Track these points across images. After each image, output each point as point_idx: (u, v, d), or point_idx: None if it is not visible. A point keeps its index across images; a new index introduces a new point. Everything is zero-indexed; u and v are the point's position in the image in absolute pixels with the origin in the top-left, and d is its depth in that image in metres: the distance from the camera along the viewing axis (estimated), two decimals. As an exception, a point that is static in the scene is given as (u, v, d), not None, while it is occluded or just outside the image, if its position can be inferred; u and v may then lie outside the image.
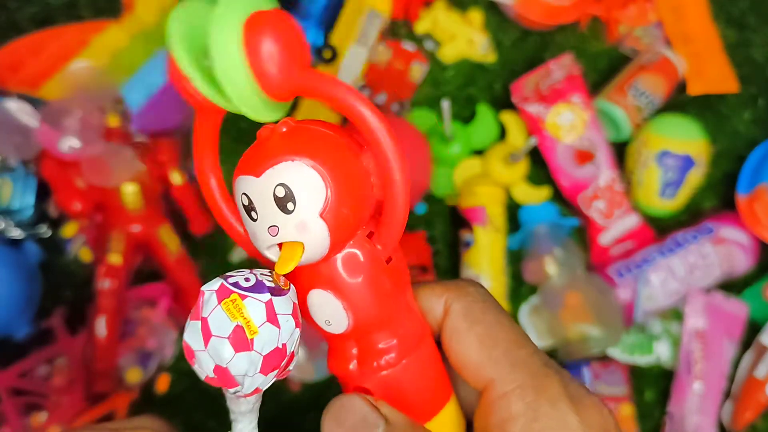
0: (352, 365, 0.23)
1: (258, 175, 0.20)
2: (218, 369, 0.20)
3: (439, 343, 0.25)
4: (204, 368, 0.20)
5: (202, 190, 0.24)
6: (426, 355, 0.24)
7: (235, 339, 0.20)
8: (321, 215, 0.20)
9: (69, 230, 0.61)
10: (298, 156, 0.20)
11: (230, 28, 0.19)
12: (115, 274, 0.54)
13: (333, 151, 0.21)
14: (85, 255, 0.61)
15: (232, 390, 0.20)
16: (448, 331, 0.23)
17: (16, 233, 0.60)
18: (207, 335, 0.20)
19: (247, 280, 0.20)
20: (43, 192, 0.60)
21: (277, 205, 0.20)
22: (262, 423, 0.62)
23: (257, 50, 0.19)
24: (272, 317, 0.20)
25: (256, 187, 0.20)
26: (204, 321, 0.20)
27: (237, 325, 0.20)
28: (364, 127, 0.20)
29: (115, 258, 0.54)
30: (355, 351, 0.23)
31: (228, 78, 0.19)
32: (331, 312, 0.22)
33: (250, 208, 0.21)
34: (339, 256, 0.22)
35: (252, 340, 0.20)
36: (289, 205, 0.20)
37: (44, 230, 0.61)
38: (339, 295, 0.22)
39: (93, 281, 0.56)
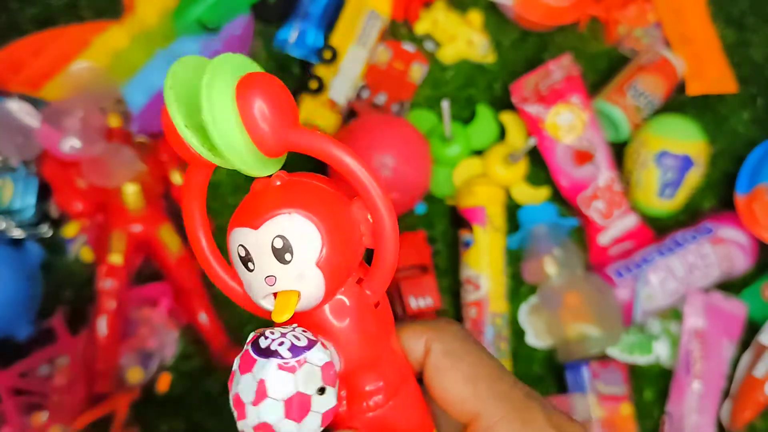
0: (342, 408, 0.24)
1: (256, 227, 0.21)
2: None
3: (420, 380, 0.25)
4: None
5: (191, 244, 0.25)
6: (410, 394, 0.25)
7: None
8: (317, 264, 0.21)
9: (70, 230, 0.61)
10: (294, 208, 0.21)
11: (223, 90, 0.20)
12: (116, 274, 0.54)
13: (326, 203, 0.22)
14: (86, 255, 0.61)
15: None
16: (430, 369, 0.24)
17: (17, 233, 0.60)
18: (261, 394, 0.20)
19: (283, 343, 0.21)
20: (44, 192, 0.60)
21: (274, 255, 0.21)
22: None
23: (249, 110, 0.20)
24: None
25: (254, 239, 0.21)
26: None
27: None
28: (355, 179, 0.21)
29: (116, 258, 0.55)
30: (344, 393, 0.24)
31: (222, 137, 0.20)
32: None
33: (246, 260, 0.22)
34: (328, 303, 0.23)
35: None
36: (287, 256, 0.21)
37: (45, 230, 0.61)
38: (328, 340, 0.23)
39: (94, 281, 0.56)
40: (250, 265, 0.22)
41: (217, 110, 0.20)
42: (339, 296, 0.23)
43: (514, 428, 0.22)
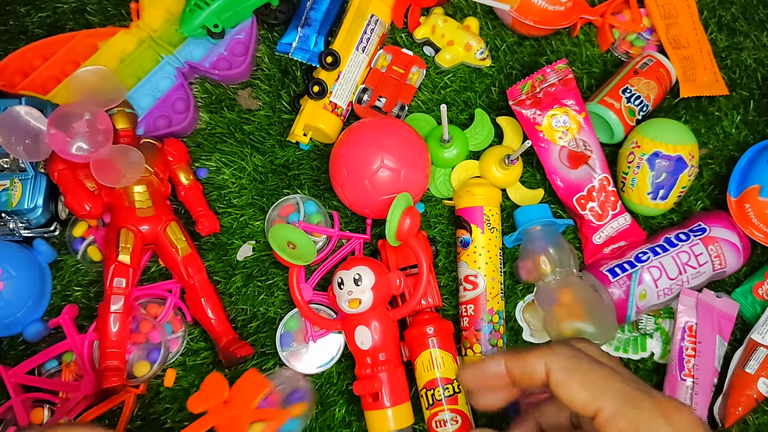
0: (368, 371, 0.54)
1: (348, 269, 0.54)
2: None
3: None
4: None
5: (300, 306, 0.57)
6: (400, 371, 0.54)
7: None
8: (371, 288, 0.53)
9: (78, 230, 0.62)
10: (365, 265, 0.54)
11: (398, 211, 0.53)
12: (123, 272, 0.55)
13: (378, 267, 0.54)
14: (94, 254, 0.62)
15: None
16: (554, 384, 0.32)
17: (27, 233, 0.61)
18: None
19: None
20: (53, 193, 0.61)
21: (354, 281, 0.53)
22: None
23: (402, 223, 0.53)
24: None
25: (346, 274, 0.54)
26: None
27: None
28: (419, 262, 0.54)
29: (123, 257, 0.56)
30: (369, 360, 0.54)
31: (389, 230, 0.53)
32: (364, 337, 0.54)
33: (340, 283, 0.54)
34: (373, 312, 0.54)
35: None
36: (359, 282, 0.53)
37: (54, 230, 0.62)
38: (370, 329, 0.54)
39: (102, 279, 0.56)
40: (342, 286, 0.53)
41: (393, 218, 0.53)
42: (379, 311, 0.54)
43: (630, 415, 0.29)
